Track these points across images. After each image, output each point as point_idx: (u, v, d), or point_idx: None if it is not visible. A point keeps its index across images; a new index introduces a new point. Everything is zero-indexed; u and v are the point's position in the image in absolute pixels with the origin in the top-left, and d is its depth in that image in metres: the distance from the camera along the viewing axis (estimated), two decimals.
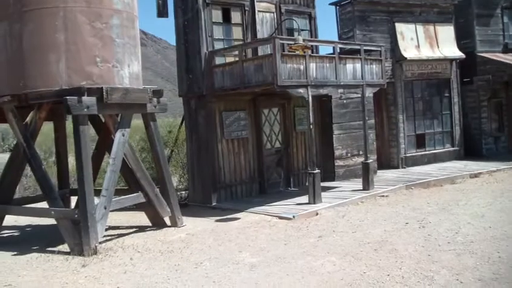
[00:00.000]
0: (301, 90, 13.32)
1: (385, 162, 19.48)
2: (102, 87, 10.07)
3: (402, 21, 19.44)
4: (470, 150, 21.47)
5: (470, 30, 21.31)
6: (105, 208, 10.13)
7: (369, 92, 15.54)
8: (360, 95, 15.63)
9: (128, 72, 10.94)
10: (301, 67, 13.33)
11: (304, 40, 13.27)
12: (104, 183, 10.39)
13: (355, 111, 17.35)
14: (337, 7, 19.41)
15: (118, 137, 10.73)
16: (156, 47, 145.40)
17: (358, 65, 14.87)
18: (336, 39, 17.91)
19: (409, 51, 19.19)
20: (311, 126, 13.65)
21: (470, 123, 21.50)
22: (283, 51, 13.69)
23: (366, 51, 15.63)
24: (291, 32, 16.29)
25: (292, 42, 13.06)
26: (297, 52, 13.05)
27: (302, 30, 16.65)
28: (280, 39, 13.39)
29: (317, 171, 13.62)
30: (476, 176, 16.89)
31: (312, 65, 13.60)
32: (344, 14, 19.16)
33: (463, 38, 21.45)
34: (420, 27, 19.73)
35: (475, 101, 21.33)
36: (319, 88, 13.81)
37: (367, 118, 15.76)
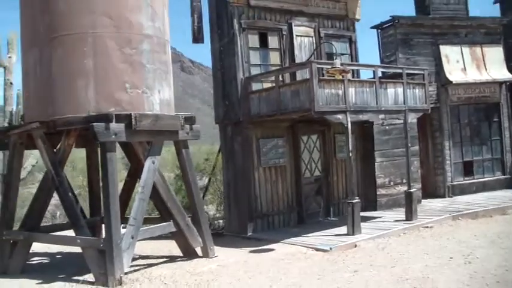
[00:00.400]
0: (339, 116, 12.86)
1: (430, 191, 18.68)
2: (130, 114, 9.86)
3: (447, 43, 18.81)
4: None
5: None
6: (132, 238, 9.84)
7: (412, 118, 14.91)
8: (402, 121, 15.01)
9: (158, 99, 10.73)
10: (340, 92, 12.89)
11: (342, 64, 12.84)
12: (131, 212, 10.14)
13: (398, 137, 16.72)
14: (379, 30, 18.92)
15: (148, 164, 10.47)
16: (203, 74, 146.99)
17: (400, 90, 14.31)
18: (378, 63, 17.39)
19: (454, 74, 18.50)
20: (350, 154, 13.14)
21: None
22: (322, 76, 13.29)
23: (408, 75, 15.07)
24: (330, 56, 15.89)
25: (330, 67, 12.65)
26: (335, 76, 12.62)
27: (342, 54, 16.33)
28: (317, 63, 13.01)
29: (356, 200, 13.05)
30: None
31: (351, 90, 13.13)
32: (386, 37, 18.66)
33: None
34: (466, 49, 19.04)
35: None
36: (358, 114, 13.31)
37: (410, 145, 15.14)
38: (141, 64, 10.43)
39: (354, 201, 12.94)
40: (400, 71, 14.90)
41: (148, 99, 10.52)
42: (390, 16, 18.26)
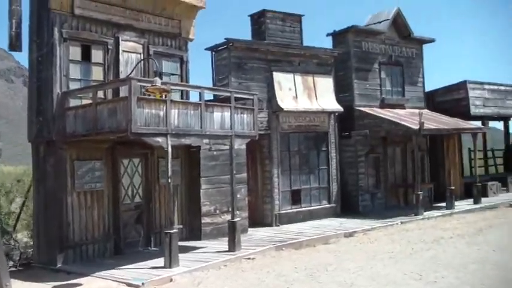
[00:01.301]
0: (159, 139, 12.09)
1: (258, 220, 18.55)
2: None
3: (280, 71, 18.94)
4: (348, 206, 21.13)
5: (349, 83, 21.30)
6: None
7: (239, 144, 14.62)
8: (235, 147, 14.58)
9: None
10: (161, 113, 12.14)
11: (164, 83, 12.11)
12: None
13: (225, 164, 16.21)
14: (213, 52, 18.59)
15: None
16: None
17: (227, 114, 13.89)
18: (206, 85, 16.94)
19: (286, 102, 18.62)
20: (169, 180, 12.39)
21: (347, 178, 21.20)
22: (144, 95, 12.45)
23: (238, 99, 14.75)
24: (160, 75, 15.09)
25: (150, 85, 11.83)
26: (155, 96, 11.84)
27: (172, 74, 15.76)
28: (138, 80, 12.15)
29: (174, 230, 12.28)
30: (350, 235, 16.31)
31: (174, 112, 12.44)
32: (220, 60, 18.36)
33: (343, 92, 21.37)
34: (299, 78, 19.32)
35: (352, 156, 21.09)
36: (181, 137, 12.64)
37: (236, 172, 14.84)
38: None
39: (171, 231, 12.17)
40: (228, 94, 14.52)
41: None
42: (225, 38, 17.97)
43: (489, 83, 25.40)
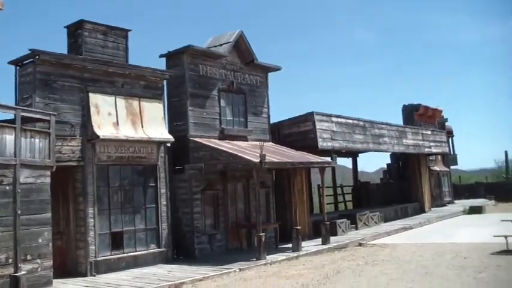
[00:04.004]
0: None
1: (71, 268, 16.02)
2: None
3: (99, 92, 16.67)
4: (183, 251, 19.15)
5: (183, 111, 19.47)
6: None
7: (27, 175, 12.02)
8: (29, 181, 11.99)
9: None
10: None
11: None
12: None
13: (23, 201, 13.55)
14: (17, 67, 15.95)
15: None
16: None
17: (9, 137, 11.34)
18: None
19: (104, 128, 16.32)
20: None
21: (181, 218, 19.18)
22: None
23: (29, 119, 12.25)
24: None
25: None
26: None
27: None
28: None
29: None
30: (177, 287, 14.12)
31: None
32: (24, 75, 15.76)
33: (177, 120, 19.60)
34: (121, 101, 17.14)
35: (187, 193, 19.14)
36: None
37: (32, 212, 12.22)
38: None
39: None
40: (12, 112, 11.97)
41: None
42: (29, 49, 15.42)
43: (337, 116, 24.79)
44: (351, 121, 25.84)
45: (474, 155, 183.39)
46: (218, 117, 20.53)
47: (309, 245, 20.77)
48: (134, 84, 17.78)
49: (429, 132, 35.43)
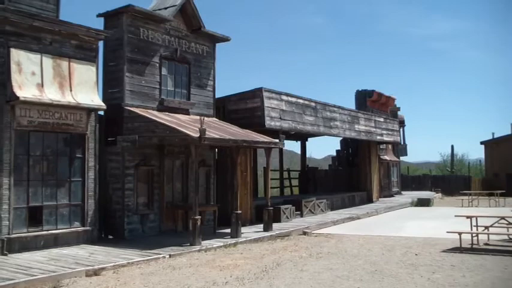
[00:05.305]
0: None
1: None
2: None
3: (22, 48, 15.00)
4: (111, 230, 17.87)
5: (120, 77, 17.93)
6: None
7: None
8: None
9: None
10: None
11: None
12: None
13: None
14: None
15: None
16: None
17: None
18: None
19: (26, 89, 14.72)
20: None
21: (112, 195, 17.78)
22: None
23: None
24: None
25: None
26: None
27: None
28: None
29: None
30: (95, 273, 12.67)
31: None
32: None
33: (112, 87, 18.14)
34: (49, 60, 15.52)
35: (118, 167, 17.74)
36: None
37: None
38: None
39: None
40: None
41: None
42: None
43: (287, 94, 23.60)
44: (301, 101, 24.72)
45: (420, 147, 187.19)
46: (158, 87, 19.07)
47: (249, 231, 19.68)
48: (64, 43, 16.15)
49: (382, 120, 34.80)
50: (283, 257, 15.13)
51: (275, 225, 20.82)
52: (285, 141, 22.32)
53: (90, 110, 16.48)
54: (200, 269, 13.36)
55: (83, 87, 16.23)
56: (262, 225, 20.42)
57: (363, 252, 15.95)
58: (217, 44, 21.97)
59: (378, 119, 34.02)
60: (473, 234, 16.48)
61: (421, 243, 17.48)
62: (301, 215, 25.12)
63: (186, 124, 17.93)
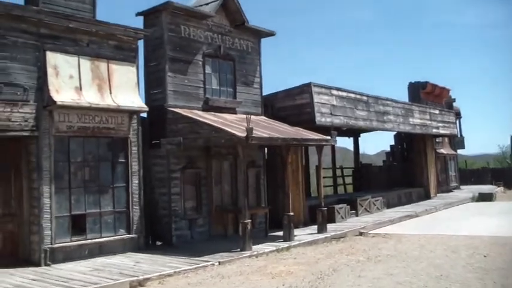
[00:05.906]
0: None
1: (24, 256, 14.06)
2: None
3: (59, 51, 14.45)
4: (159, 236, 17.16)
5: (161, 77, 17.25)
6: None
7: None
8: None
9: None
10: None
11: None
12: None
13: None
14: None
15: None
16: None
17: None
18: None
19: (64, 93, 14.14)
20: None
21: (158, 200, 17.11)
22: None
23: None
24: None
25: None
26: None
27: None
28: None
29: None
30: (140, 284, 11.96)
31: None
32: None
33: (154, 87, 17.48)
34: (86, 63, 14.93)
35: (164, 171, 17.04)
36: None
37: None
38: None
39: None
40: None
41: None
42: None
43: (337, 88, 22.55)
44: (353, 95, 23.59)
45: (476, 139, 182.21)
46: (202, 86, 18.31)
47: (303, 234, 18.73)
48: (102, 44, 15.54)
49: (437, 112, 33.27)
50: (339, 261, 14.10)
51: (329, 226, 19.81)
52: (337, 138, 21.19)
53: (131, 113, 15.82)
54: (251, 277, 12.46)
55: (123, 89, 15.58)
56: (316, 227, 19.42)
57: (424, 254, 14.78)
58: (262, 40, 21.10)
59: (432, 111, 32.51)
60: None
61: (488, 242, 16.14)
62: (356, 214, 24.03)
63: (233, 124, 17.10)
